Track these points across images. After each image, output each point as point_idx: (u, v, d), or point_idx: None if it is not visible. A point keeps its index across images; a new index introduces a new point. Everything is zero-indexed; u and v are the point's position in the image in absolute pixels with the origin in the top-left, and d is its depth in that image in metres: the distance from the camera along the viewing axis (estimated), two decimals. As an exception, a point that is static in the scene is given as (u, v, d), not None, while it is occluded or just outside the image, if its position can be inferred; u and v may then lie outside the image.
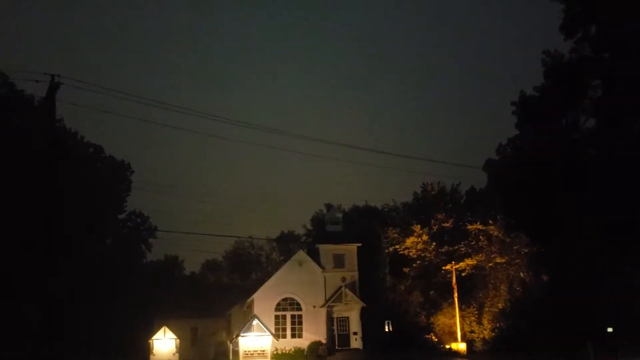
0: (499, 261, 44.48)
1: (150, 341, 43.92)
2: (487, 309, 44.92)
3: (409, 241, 47.14)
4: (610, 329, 38.02)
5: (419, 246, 47.09)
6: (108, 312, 49.53)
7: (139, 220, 60.33)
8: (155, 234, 60.74)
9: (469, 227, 45.43)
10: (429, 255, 47.08)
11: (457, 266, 45.44)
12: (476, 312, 45.66)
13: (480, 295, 45.41)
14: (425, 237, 47.07)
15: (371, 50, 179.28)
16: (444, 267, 46.09)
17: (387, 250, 48.64)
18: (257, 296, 45.42)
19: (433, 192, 52.06)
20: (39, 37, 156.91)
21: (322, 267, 46.30)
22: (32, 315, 36.22)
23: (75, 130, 51.14)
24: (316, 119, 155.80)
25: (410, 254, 47.15)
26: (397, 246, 47.48)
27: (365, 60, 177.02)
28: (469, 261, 45.16)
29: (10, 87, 40.57)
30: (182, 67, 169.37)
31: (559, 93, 35.41)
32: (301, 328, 45.00)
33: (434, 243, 46.85)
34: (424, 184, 53.08)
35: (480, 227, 45.16)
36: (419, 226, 47.31)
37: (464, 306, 45.92)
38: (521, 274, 44.02)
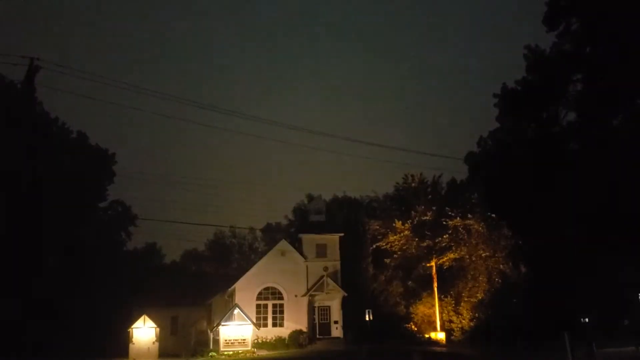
0: (483, 254, 44.58)
1: (130, 329, 43.65)
2: (465, 299, 45.24)
3: (392, 238, 47.30)
4: (586, 319, 38.79)
5: (401, 241, 47.28)
6: (88, 299, 49.07)
7: (119, 209, 59.61)
8: (135, 222, 60.12)
9: (449, 222, 45.52)
10: (410, 250, 47.26)
11: (440, 262, 45.72)
12: (455, 302, 46.07)
13: (460, 285, 45.75)
14: (407, 232, 47.22)
15: (352, 40, 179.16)
16: (427, 264, 46.36)
17: (370, 248, 48.81)
18: (238, 285, 45.42)
19: (414, 184, 52.08)
20: (17, 21, 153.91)
21: (305, 257, 46.49)
22: (17, 313, 35.64)
23: (55, 116, 50.42)
24: (294, 107, 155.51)
25: (394, 248, 47.35)
26: (380, 243, 47.62)
27: (345, 49, 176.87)
28: (451, 255, 45.32)
29: None
30: (165, 52, 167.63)
31: (540, 87, 35.80)
32: (282, 317, 45.16)
33: (416, 239, 47.02)
34: (405, 175, 52.95)
35: (458, 222, 45.30)
36: (400, 222, 47.44)
37: (442, 296, 46.35)
38: (501, 266, 44.28)
